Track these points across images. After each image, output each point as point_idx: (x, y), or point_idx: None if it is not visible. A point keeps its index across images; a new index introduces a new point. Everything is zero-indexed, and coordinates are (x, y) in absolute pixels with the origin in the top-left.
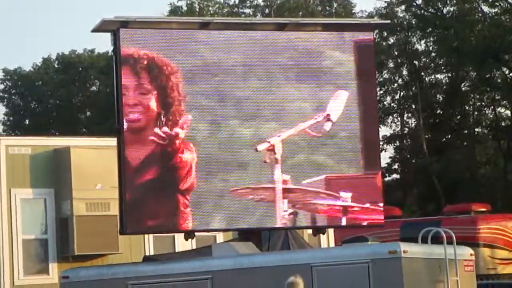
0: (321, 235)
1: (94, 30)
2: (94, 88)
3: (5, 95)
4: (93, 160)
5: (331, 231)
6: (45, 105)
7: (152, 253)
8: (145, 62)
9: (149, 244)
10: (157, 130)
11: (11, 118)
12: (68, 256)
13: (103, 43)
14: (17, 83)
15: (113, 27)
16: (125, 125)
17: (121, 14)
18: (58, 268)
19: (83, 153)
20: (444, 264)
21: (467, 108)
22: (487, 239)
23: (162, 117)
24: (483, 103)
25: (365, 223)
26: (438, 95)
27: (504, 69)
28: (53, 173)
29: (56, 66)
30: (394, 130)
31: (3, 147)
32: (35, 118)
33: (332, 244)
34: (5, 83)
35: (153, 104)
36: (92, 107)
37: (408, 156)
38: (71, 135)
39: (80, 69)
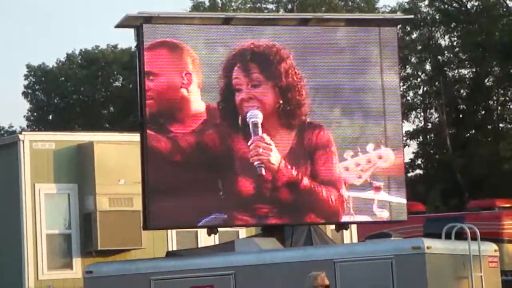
0: (344, 230)
1: (117, 26)
2: (117, 83)
3: (29, 91)
4: (117, 156)
5: (354, 226)
6: (68, 100)
7: (175, 248)
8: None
9: (172, 239)
10: None
11: (35, 114)
12: (92, 251)
13: (126, 38)
14: (41, 79)
15: (136, 23)
16: None
17: (144, 9)
18: (82, 263)
19: (106, 148)
20: (468, 260)
21: (491, 103)
22: None
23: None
24: (507, 98)
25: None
26: (461, 90)
27: None
28: (77, 168)
29: (79, 61)
30: (417, 125)
31: (27, 142)
32: (58, 114)
33: (355, 240)
34: (29, 79)
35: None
36: (115, 103)
37: (432, 151)
38: (95, 130)
39: (104, 64)
